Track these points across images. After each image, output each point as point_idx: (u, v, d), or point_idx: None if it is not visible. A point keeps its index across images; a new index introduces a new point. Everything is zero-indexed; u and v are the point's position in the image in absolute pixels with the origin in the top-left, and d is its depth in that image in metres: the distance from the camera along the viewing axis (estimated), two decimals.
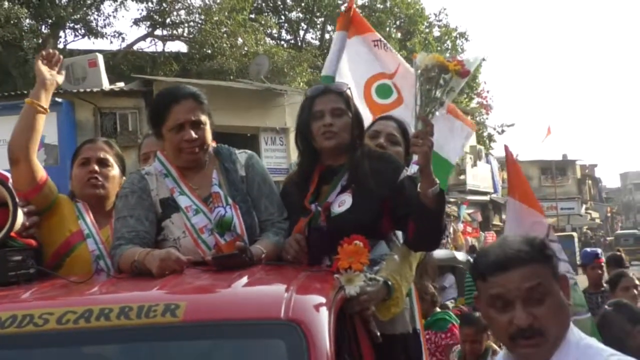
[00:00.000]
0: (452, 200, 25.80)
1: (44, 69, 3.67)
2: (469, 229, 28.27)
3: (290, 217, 3.66)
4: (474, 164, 31.09)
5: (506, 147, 5.71)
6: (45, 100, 3.63)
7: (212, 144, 3.69)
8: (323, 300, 2.86)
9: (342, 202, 3.59)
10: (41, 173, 3.63)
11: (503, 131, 42.23)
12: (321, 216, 3.57)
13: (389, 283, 3.39)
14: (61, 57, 3.79)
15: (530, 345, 2.44)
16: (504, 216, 36.55)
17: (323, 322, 2.69)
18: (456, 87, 3.54)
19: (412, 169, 3.53)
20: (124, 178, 3.85)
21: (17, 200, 3.37)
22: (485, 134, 40.63)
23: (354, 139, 3.67)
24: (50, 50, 3.78)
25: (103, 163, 3.83)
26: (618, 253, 11.51)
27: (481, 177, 31.60)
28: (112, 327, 2.61)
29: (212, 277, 3.09)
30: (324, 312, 2.76)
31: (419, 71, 3.48)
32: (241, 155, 3.70)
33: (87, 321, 2.62)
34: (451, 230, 24.65)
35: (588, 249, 10.30)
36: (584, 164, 63.05)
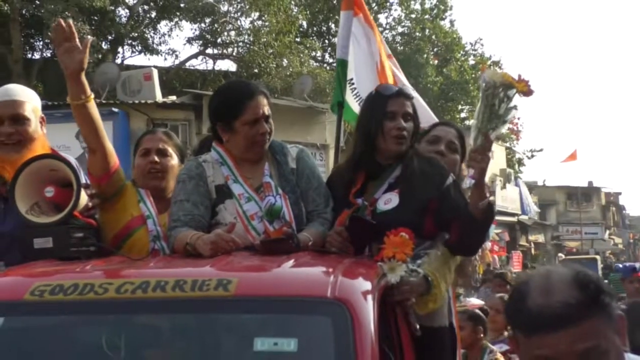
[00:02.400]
0: None
1: (64, 58, 3.46)
2: (496, 248, 28.06)
3: (334, 208, 3.64)
4: (504, 186, 30.92)
5: None
6: (80, 90, 3.48)
7: None
8: (367, 283, 2.85)
9: (389, 200, 3.56)
10: (114, 160, 3.64)
11: (533, 156, 41.98)
12: (366, 211, 3.54)
13: (429, 278, 3.35)
14: (71, 24, 3.49)
15: None
16: (530, 237, 36.30)
17: (368, 303, 2.68)
18: (518, 106, 3.47)
19: (467, 182, 3.47)
20: (182, 166, 3.85)
21: (81, 181, 3.40)
22: (514, 158, 40.42)
23: (410, 144, 3.68)
24: (58, 25, 3.48)
25: (162, 153, 3.83)
26: None
27: (510, 199, 31.41)
28: (167, 298, 2.62)
29: (261, 258, 3.10)
30: (368, 294, 2.75)
31: (485, 86, 3.43)
32: (292, 149, 3.71)
33: (144, 292, 2.64)
34: (471, 267, 24.46)
35: (626, 264, 10.24)
36: (609, 191, 62.28)
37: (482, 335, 6.23)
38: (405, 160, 3.61)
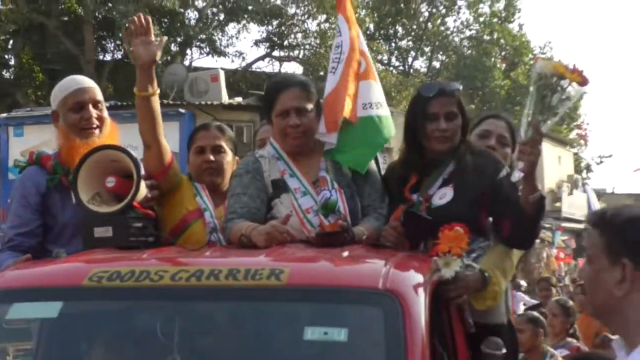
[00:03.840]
0: (547, 226, 25.25)
1: (138, 48, 3.54)
2: (562, 255, 27.57)
3: (389, 204, 3.63)
4: (570, 192, 30.35)
5: None
6: (148, 84, 3.57)
7: None
8: (420, 277, 2.84)
9: (443, 195, 3.53)
10: (168, 156, 3.69)
11: (601, 162, 41.17)
12: (422, 206, 3.52)
13: (486, 274, 3.32)
14: (149, 18, 3.59)
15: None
16: None
17: (419, 296, 2.67)
18: (572, 97, 3.37)
19: (516, 175, 3.41)
20: (237, 159, 3.88)
21: (141, 171, 3.46)
22: (582, 164, 39.68)
23: (461, 138, 3.62)
24: (136, 19, 3.59)
25: (217, 150, 3.84)
26: None
27: (577, 206, 30.77)
28: (220, 286, 2.66)
29: (314, 250, 3.11)
30: (420, 287, 2.74)
31: (537, 76, 3.37)
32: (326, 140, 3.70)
33: (198, 280, 2.68)
34: (544, 255, 24.08)
35: None
36: None
37: (542, 338, 6.12)
38: (459, 155, 3.57)
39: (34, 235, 3.62)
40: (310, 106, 3.58)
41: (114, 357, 2.94)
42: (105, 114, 3.80)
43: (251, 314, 2.77)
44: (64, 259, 3.05)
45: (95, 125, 3.72)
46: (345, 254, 2.95)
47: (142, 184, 3.49)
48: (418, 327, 2.52)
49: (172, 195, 3.73)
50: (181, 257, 3.06)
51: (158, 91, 3.62)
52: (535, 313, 6.34)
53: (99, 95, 3.80)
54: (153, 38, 3.55)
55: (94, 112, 3.71)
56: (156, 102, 3.61)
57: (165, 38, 3.71)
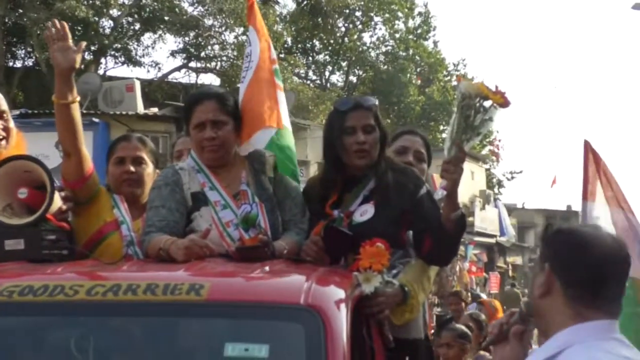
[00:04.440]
0: None
1: (57, 55, 3.45)
2: (474, 269, 28.09)
3: (310, 220, 3.62)
4: (483, 207, 30.97)
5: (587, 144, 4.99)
6: (68, 92, 3.48)
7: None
8: (341, 292, 2.84)
9: (364, 212, 3.54)
10: (89, 165, 3.62)
11: (512, 177, 42.18)
12: (343, 222, 3.53)
13: (406, 289, 3.34)
14: (65, 25, 3.50)
15: None
16: (508, 258, 36.37)
17: (341, 311, 2.67)
18: (494, 118, 3.43)
19: (439, 193, 3.45)
20: (158, 172, 3.82)
21: (55, 182, 3.37)
22: (494, 179, 40.57)
23: (379, 153, 3.63)
24: (54, 26, 3.49)
25: (138, 161, 3.78)
26: None
27: (489, 220, 31.42)
28: (138, 301, 2.61)
29: (235, 265, 3.08)
30: (341, 303, 2.74)
31: (461, 96, 3.41)
32: (270, 157, 3.69)
33: (115, 294, 2.62)
34: (457, 268, 24.50)
35: None
36: None
37: (468, 353, 6.20)
38: (379, 172, 3.58)
39: None
40: (225, 118, 3.55)
41: None
42: (11, 124, 3.69)
43: (170, 329, 2.72)
44: None
45: (0, 137, 3.61)
46: (266, 268, 2.93)
47: (56, 195, 3.40)
48: (340, 343, 2.52)
49: (89, 206, 3.64)
50: (97, 271, 2.99)
51: (78, 98, 3.53)
52: (464, 328, 6.39)
53: (2, 105, 3.68)
54: (71, 44, 3.46)
55: None
56: (76, 109, 3.52)
57: (83, 43, 3.62)
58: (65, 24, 3.51)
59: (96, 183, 3.68)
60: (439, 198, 3.46)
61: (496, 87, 3.34)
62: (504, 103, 3.35)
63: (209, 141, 3.52)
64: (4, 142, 3.62)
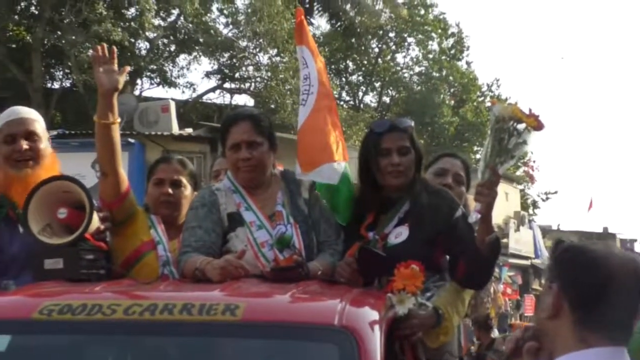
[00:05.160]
0: None
1: (101, 76, 3.57)
2: (509, 291, 27.85)
3: (345, 241, 3.64)
4: (517, 229, 30.73)
5: None
6: (110, 112, 3.56)
7: (277, 167, 3.72)
8: (375, 314, 2.84)
9: (399, 234, 3.55)
10: (125, 185, 3.67)
11: (547, 198, 41.82)
12: (378, 244, 3.54)
13: (440, 311, 3.34)
14: (114, 48, 3.63)
15: None
16: (543, 281, 35.96)
17: (374, 332, 2.67)
18: (528, 141, 3.42)
19: (473, 217, 3.45)
20: (196, 193, 3.86)
21: (94, 203, 3.42)
22: (529, 200, 40.24)
23: (414, 174, 3.65)
24: (101, 48, 3.63)
25: (177, 184, 3.83)
26: None
27: (523, 242, 31.15)
28: (174, 321, 2.62)
29: (270, 285, 3.10)
30: (375, 324, 2.74)
31: (494, 119, 3.41)
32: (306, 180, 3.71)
33: (152, 314, 2.64)
34: (492, 290, 24.30)
35: None
36: (624, 237, 61.78)
37: None
38: (414, 194, 3.59)
39: None
40: (260, 139, 3.59)
41: None
42: (42, 145, 3.73)
43: (206, 349, 2.74)
44: (13, 291, 2.99)
45: (27, 158, 3.67)
46: (301, 289, 2.95)
47: (95, 215, 3.45)
48: None
49: (127, 226, 3.70)
50: (134, 291, 3.03)
51: (119, 120, 3.62)
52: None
53: (34, 127, 3.74)
54: (115, 67, 3.56)
55: (25, 144, 3.66)
56: (116, 130, 3.60)
57: (128, 68, 3.73)
58: (113, 48, 3.62)
59: (133, 203, 3.73)
60: (473, 222, 3.45)
61: (530, 110, 3.34)
62: (538, 126, 3.35)
63: (244, 162, 3.55)
64: (31, 162, 3.67)
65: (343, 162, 3.75)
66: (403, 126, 3.67)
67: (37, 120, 3.79)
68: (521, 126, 3.35)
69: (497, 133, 3.36)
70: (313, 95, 3.84)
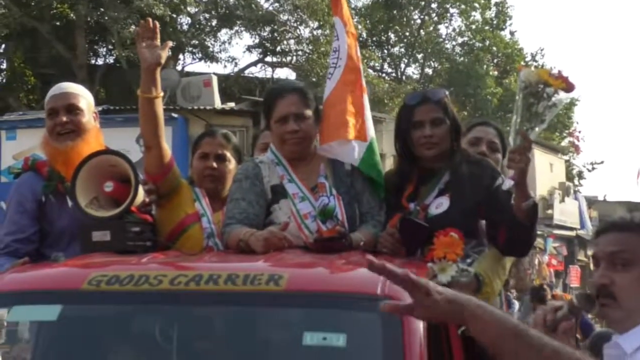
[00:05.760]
0: (539, 232, 25.28)
1: (144, 51, 3.59)
2: (554, 262, 27.64)
3: (386, 212, 3.66)
4: (562, 200, 30.41)
5: None
6: (152, 87, 3.60)
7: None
8: None
9: (440, 205, 3.56)
10: (168, 158, 3.71)
11: (593, 168, 41.29)
12: (419, 215, 3.55)
13: (480, 277, 3.35)
14: (157, 23, 3.65)
15: (602, 305, 2.39)
16: (589, 252, 35.63)
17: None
18: (559, 104, 3.40)
19: (507, 183, 3.43)
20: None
21: (139, 176, 3.47)
22: (574, 171, 39.77)
23: (452, 144, 3.64)
24: (146, 23, 3.66)
25: (221, 158, 3.86)
26: None
27: (568, 213, 30.83)
28: (219, 291, 2.67)
29: (313, 256, 3.13)
30: None
31: (522, 85, 3.39)
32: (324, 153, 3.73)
33: (197, 284, 2.69)
34: (536, 261, 24.15)
35: None
36: None
37: None
38: (454, 165, 3.60)
39: (30, 241, 3.64)
40: (308, 112, 3.61)
41: None
42: (84, 119, 3.77)
43: (250, 318, 2.78)
44: (63, 262, 3.06)
45: (68, 131, 3.71)
46: (344, 260, 2.97)
47: (140, 188, 3.51)
48: (416, 333, 2.53)
49: (171, 199, 3.74)
50: (180, 262, 3.08)
51: (162, 94, 3.65)
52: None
53: (76, 100, 3.78)
54: (158, 42, 3.59)
55: (65, 118, 3.71)
56: (159, 104, 3.64)
57: (170, 43, 3.75)
58: (156, 23, 3.65)
59: (177, 176, 3.77)
60: (507, 188, 3.43)
61: (559, 72, 3.30)
62: (568, 87, 3.30)
63: (292, 134, 3.57)
64: (73, 135, 3.71)
65: (364, 142, 3.73)
66: (436, 97, 3.66)
67: (80, 95, 3.83)
68: (550, 89, 3.31)
69: (525, 98, 3.33)
70: (340, 68, 3.85)
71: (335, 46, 3.93)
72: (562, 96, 3.35)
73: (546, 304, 9.89)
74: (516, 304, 11.77)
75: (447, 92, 3.78)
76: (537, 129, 3.39)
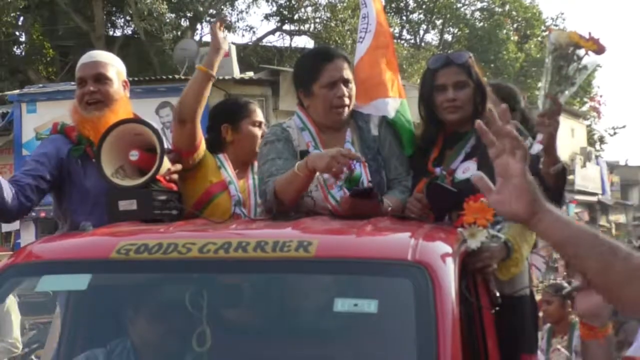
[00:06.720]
0: None
1: (219, 33, 3.71)
2: None
3: (412, 177, 3.62)
4: (584, 165, 30.22)
5: None
6: (215, 67, 3.70)
7: None
8: (448, 248, 2.83)
9: (467, 169, 3.51)
10: (200, 136, 3.72)
11: (615, 133, 41.01)
12: (446, 180, 3.51)
13: (509, 244, 3.31)
14: (229, 20, 3.80)
15: None
16: (610, 217, 35.49)
17: (448, 267, 2.66)
18: (590, 66, 3.33)
19: (535, 148, 3.38)
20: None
21: (164, 145, 3.45)
22: (596, 136, 39.50)
23: (476, 107, 3.59)
24: (223, 15, 3.83)
25: (346, 83, 3.77)
26: None
27: (590, 178, 30.66)
28: (248, 259, 2.64)
29: (342, 222, 3.10)
30: (448, 258, 2.72)
31: (552, 47, 3.32)
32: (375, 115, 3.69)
33: (226, 252, 2.66)
34: None
35: None
36: None
37: (569, 309, 6.06)
38: None
39: (33, 177, 3.59)
40: (352, 77, 3.59)
41: (143, 329, 2.95)
42: (112, 88, 3.74)
43: (280, 286, 2.77)
44: (91, 232, 3.06)
45: (95, 100, 3.69)
46: (373, 226, 2.95)
47: (165, 157, 3.49)
48: (448, 299, 2.51)
49: (197, 170, 3.74)
50: (208, 230, 3.06)
51: (214, 79, 3.73)
52: (564, 283, 6.30)
53: (105, 69, 3.75)
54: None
55: (93, 87, 3.69)
56: (209, 85, 3.70)
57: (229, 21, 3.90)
58: (226, 16, 3.75)
59: (203, 151, 3.77)
60: (536, 153, 3.38)
61: (589, 33, 3.23)
62: (599, 49, 3.23)
63: (341, 99, 3.53)
64: (101, 105, 3.69)
65: (399, 99, 3.78)
66: (459, 60, 3.60)
67: (109, 64, 3.80)
68: (580, 51, 3.24)
69: (555, 61, 3.27)
70: (371, 33, 3.88)
71: (364, 12, 3.97)
72: (593, 58, 3.29)
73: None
74: (543, 266, 11.72)
75: (471, 55, 3.73)
76: (567, 92, 3.33)
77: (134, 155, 3.44)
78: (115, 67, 3.80)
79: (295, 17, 26.34)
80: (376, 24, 3.88)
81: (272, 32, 27.21)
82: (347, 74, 3.56)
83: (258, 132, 3.91)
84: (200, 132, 3.70)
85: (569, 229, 1.95)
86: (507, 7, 33.92)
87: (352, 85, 3.59)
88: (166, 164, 3.49)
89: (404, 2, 33.69)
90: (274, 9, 26.28)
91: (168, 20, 23.54)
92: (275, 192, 3.33)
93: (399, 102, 3.76)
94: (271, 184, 3.36)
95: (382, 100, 3.74)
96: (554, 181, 3.35)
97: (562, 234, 1.97)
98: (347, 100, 3.55)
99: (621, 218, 38.20)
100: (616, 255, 1.91)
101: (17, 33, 25.26)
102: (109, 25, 25.29)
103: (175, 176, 3.61)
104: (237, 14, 26.38)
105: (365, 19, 3.93)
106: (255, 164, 3.91)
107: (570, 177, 28.64)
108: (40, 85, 18.05)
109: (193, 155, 3.69)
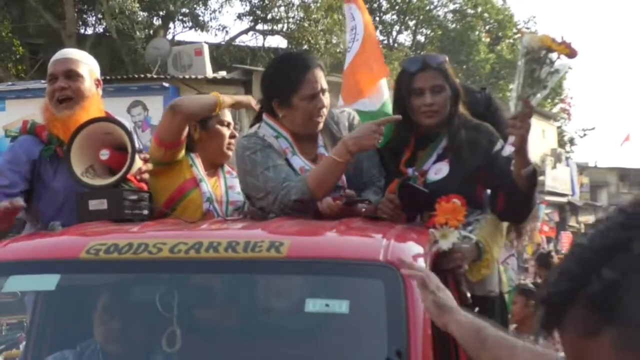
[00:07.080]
0: None
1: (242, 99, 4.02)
2: (545, 228, 27.75)
3: (384, 178, 3.63)
4: (554, 166, 30.49)
5: None
6: (226, 101, 3.81)
7: None
8: (419, 248, 2.84)
9: (439, 170, 3.52)
10: (184, 135, 3.70)
11: (584, 135, 41.44)
12: (418, 181, 3.52)
13: (480, 245, 3.33)
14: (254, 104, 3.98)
15: None
16: (580, 218, 35.82)
17: (420, 267, 2.66)
18: (562, 69, 3.35)
19: (507, 150, 3.39)
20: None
21: (135, 144, 3.43)
22: (566, 137, 39.85)
23: (450, 109, 3.60)
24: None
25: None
26: None
27: (560, 180, 30.96)
28: (219, 259, 2.63)
29: (314, 223, 3.10)
30: (420, 259, 2.74)
31: (525, 51, 3.34)
32: (342, 115, 3.68)
33: (197, 252, 2.65)
34: (528, 228, 24.24)
35: None
36: None
37: (534, 310, 6.11)
38: (452, 130, 3.55)
39: (14, 194, 3.51)
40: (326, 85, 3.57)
41: (112, 329, 2.93)
42: (83, 86, 3.67)
43: (251, 286, 2.76)
44: (60, 231, 3.03)
45: (65, 96, 3.63)
46: (345, 226, 2.95)
47: (136, 157, 3.46)
48: (419, 299, 2.51)
49: (172, 165, 3.72)
50: (180, 229, 3.04)
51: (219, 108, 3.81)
52: (529, 284, 6.36)
53: (76, 66, 3.68)
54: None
55: (64, 83, 3.62)
56: (213, 105, 3.79)
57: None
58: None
59: (181, 151, 3.75)
60: (507, 154, 3.40)
61: (562, 37, 3.26)
62: (571, 53, 3.26)
63: (321, 110, 3.49)
64: (71, 102, 3.62)
65: (385, 95, 3.90)
66: (436, 63, 3.59)
67: (81, 61, 3.74)
68: (553, 55, 3.27)
69: (528, 64, 3.28)
70: (358, 41, 3.98)
71: (352, 25, 4.08)
72: (565, 62, 3.31)
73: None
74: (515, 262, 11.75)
75: (447, 57, 3.73)
76: (539, 95, 3.34)
77: (105, 154, 3.42)
78: (87, 65, 3.75)
79: (269, 16, 26.29)
80: (364, 34, 3.97)
81: (245, 31, 27.13)
82: (324, 82, 3.51)
83: (226, 131, 3.87)
84: (185, 132, 3.69)
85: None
86: (479, 9, 34.12)
87: (327, 93, 3.55)
88: (137, 163, 3.47)
89: (377, 3, 33.75)
90: (247, 8, 26.22)
91: (140, 19, 23.39)
92: (309, 189, 3.27)
93: (384, 98, 3.88)
94: (300, 184, 3.28)
95: (368, 98, 3.89)
96: (526, 183, 3.37)
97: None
98: (325, 111, 3.53)
99: (590, 219, 38.52)
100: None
101: None
102: (80, 23, 25.06)
103: (146, 176, 3.58)
104: (210, 13, 26.31)
105: (354, 30, 4.01)
106: (226, 166, 3.90)
107: (541, 178, 28.84)
108: (10, 83, 17.87)
109: (173, 150, 3.67)
